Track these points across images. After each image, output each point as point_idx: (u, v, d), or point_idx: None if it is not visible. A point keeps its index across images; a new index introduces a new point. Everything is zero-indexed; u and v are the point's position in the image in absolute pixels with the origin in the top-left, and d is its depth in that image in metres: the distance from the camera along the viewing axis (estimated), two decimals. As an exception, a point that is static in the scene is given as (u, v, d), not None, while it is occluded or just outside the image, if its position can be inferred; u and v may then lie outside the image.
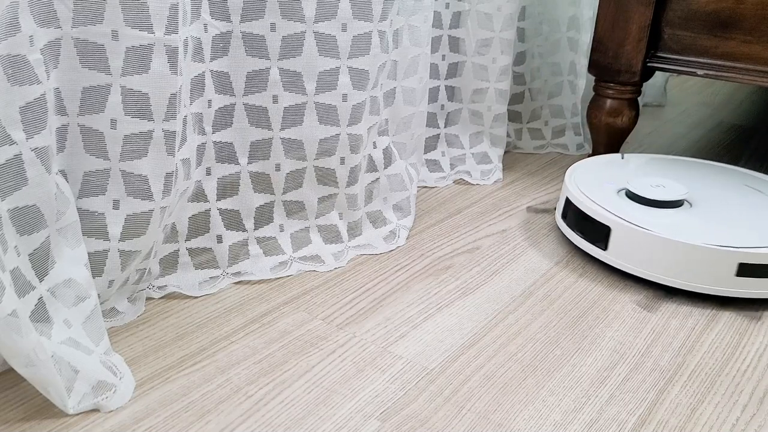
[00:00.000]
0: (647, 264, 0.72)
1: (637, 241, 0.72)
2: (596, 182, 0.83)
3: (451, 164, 1.00)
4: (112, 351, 0.57)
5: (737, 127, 1.32)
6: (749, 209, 0.78)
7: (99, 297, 0.60)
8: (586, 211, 0.77)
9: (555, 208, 0.90)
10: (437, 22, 0.94)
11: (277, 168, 0.72)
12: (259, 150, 0.71)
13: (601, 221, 0.75)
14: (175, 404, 0.54)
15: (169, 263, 0.69)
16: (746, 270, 0.69)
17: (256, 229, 0.73)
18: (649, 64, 0.94)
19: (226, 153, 0.70)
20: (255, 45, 0.67)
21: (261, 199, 0.73)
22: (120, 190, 0.58)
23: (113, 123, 0.56)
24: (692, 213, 0.77)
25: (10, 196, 0.49)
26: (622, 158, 0.90)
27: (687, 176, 0.86)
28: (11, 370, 0.56)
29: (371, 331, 0.64)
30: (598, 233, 0.75)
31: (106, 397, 0.53)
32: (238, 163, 0.71)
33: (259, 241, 0.74)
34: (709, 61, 0.90)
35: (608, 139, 1.00)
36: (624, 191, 0.80)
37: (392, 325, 0.65)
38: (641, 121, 1.30)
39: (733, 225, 0.74)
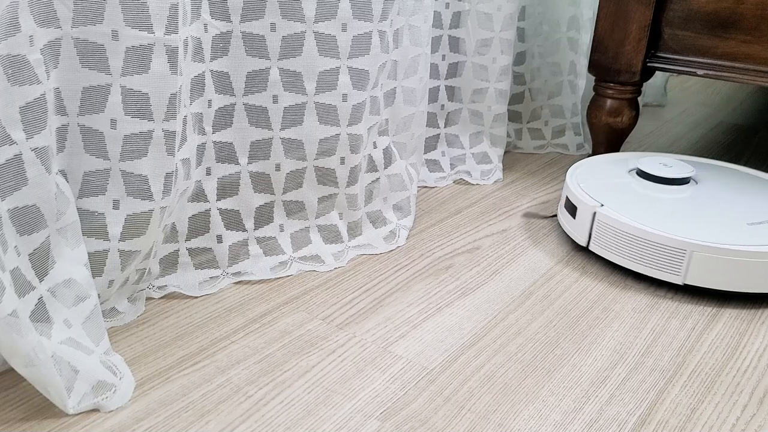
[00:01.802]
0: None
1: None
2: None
3: (451, 164, 1.00)
4: (112, 351, 0.57)
5: (737, 127, 1.32)
6: (726, 205, 0.80)
7: (99, 297, 0.60)
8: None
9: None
10: (437, 22, 0.94)
11: (277, 168, 0.72)
12: (259, 150, 0.71)
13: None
14: (175, 404, 0.54)
15: (169, 263, 0.69)
16: (568, 205, 0.81)
17: (256, 229, 0.73)
18: (649, 64, 0.94)
19: (226, 153, 0.70)
20: (255, 45, 0.67)
21: (261, 199, 0.73)
22: (120, 190, 0.58)
23: (113, 123, 0.56)
24: (687, 188, 0.83)
25: (10, 196, 0.49)
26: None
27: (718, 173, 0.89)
28: (11, 370, 0.56)
29: (371, 331, 0.64)
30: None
31: (106, 397, 0.53)
32: (238, 163, 0.71)
33: (259, 241, 0.74)
34: (709, 61, 0.90)
35: (608, 139, 1.00)
36: (636, 170, 0.87)
37: (392, 325, 0.65)
38: (641, 121, 1.30)
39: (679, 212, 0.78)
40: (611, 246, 0.74)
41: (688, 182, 0.83)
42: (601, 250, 0.76)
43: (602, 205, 0.76)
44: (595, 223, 0.76)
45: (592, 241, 0.77)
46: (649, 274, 0.73)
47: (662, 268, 0.71)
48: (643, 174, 0.84)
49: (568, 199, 0.81)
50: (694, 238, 0.70)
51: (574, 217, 0.79)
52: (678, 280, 0.71)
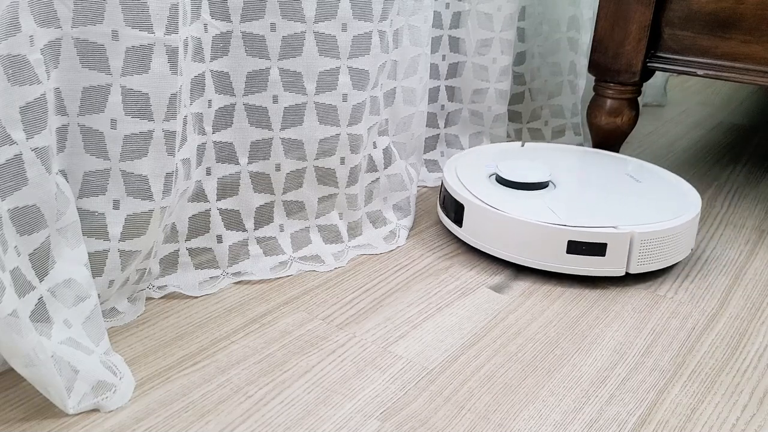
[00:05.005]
0: (494, 241, 0.76)
1: (486, 219, 0.76)
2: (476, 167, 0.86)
3: (451, 164, 1.00)
4: (112, 351, 0.57)
5: (737, 127, 1.32)
6: (608, 193, 0.80)
7: (99, 297, 0.60)
8: (449, 192, 0.81)
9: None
10: (437, 22, 0.94)
11: (277, 168, 0.72)
12: (259, 150, 0.71)
13: (458, 200, 0.79)
14: (175, 404, 0.54)
15: (169, 263, 0.69)
16: (575, 247, 0.72)
17: (256, 229, 0.73)
18: (649, 64, 0.94)
19: (226, 153, 0.70)
20: (255, 45, 0.67)
21: (261, 199, 0.73)
22: (120, 190, 0.58)
23: (113, 123, 0.56)
24: (550, 194, 0.80)
25: (11, 196, 0.49)
26: (522, 146, 0.93)
27: (567, 163, 0.88)
28: (11, 370, 0.56)
29: (371, 331, 0.64)
30: (457, 212, 0.79)
31: (106, 397, 0.53)
32: (238, 163, 0.71)
33: (259, 241, 0.74)
34: (709, 61, 0.90)
35: (608, 139, 0.99)
36: (494, 176, 0.83)
37: (392, 325, 0.65)
38: (641, 121, 1.30)
39: (578, 205, 0.77)
40: (653, 259, 0.73)
41: (547, 185, 0.81)
42: (643, 267, 0.73)
43: (616, 227, 0.72)
44: (636, 246, 0.72)
45: (633, 265, 0.73)
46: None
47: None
48: (503, 181, 0.81)
49: (578, 242, 0.72)
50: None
51: (603, 255, 0.72)
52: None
